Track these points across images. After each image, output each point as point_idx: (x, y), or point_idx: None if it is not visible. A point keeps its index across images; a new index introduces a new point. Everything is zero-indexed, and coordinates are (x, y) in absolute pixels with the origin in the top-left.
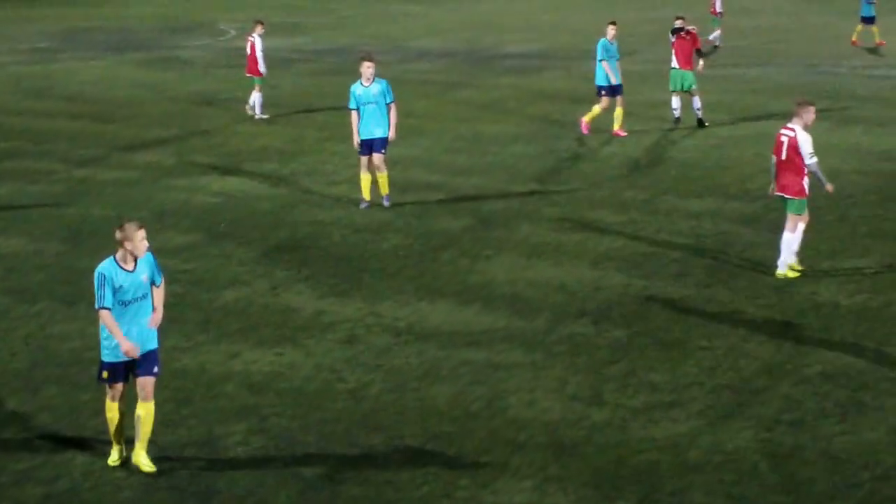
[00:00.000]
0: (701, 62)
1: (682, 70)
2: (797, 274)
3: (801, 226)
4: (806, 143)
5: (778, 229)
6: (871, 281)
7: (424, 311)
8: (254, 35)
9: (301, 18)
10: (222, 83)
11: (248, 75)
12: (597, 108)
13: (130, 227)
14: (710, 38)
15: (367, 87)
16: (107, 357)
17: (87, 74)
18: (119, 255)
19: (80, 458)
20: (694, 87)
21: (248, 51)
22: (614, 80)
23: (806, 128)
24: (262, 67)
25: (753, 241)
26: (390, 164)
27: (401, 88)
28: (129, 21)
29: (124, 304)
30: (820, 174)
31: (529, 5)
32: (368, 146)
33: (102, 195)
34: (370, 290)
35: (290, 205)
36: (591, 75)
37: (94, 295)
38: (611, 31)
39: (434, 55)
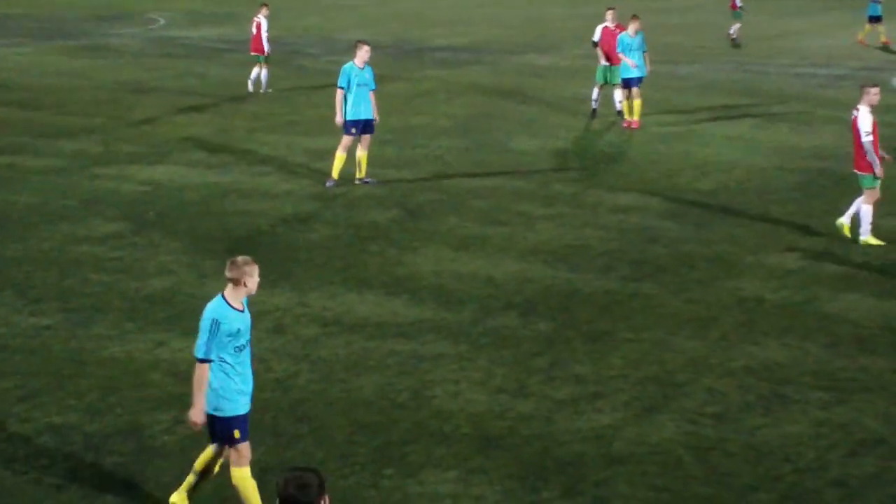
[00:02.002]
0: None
1: (612, 65)
2: (880, 243)
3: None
4: (864, 122)
5: (703, 224)
6: (795, 276)
7: (352, 301)
8: (259, 16)
9: (231, 8)
10: (151, 72)
11: (252, 53)
12: (636, 102)
13: (247, 263)
14: (730, 31)
15: (362, 69)
16: (239, 407)
17: (14, 61)
18: (230, 294)
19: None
20: (619, 80)
21: (255, 31)
22: (639, 71)
23: (871, 109)
24: (266, 47)
25: (679, 235)
26: (319, 155)
27: (329, 80)
28: (58, 8)
29: (240, 349)
30: (872, 155)
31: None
32: (360, 126)
33: (28, 183)
34: (298, 281)
35: (219, 195)
36: (519, 69)
37: (191, 338)
38: (632, 25)
39: None
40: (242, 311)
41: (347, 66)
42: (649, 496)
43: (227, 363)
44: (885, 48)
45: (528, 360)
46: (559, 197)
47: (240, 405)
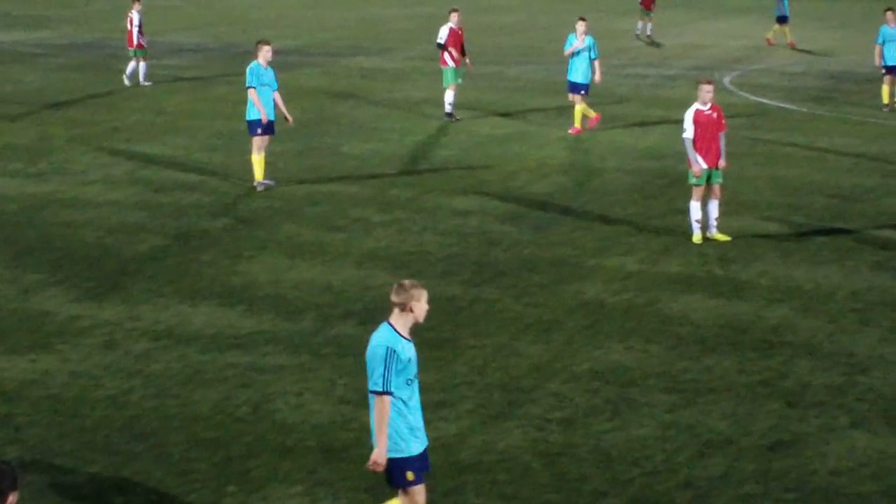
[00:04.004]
0: (467, 60)
1: (457, 68)
2: (699, 239)
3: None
4: (685, 119)
5: (542, 227)
6: (636, 278)
7: (185, 313)
8: (133, 11)
9: (42, 11)
10: None
11: (129, 48)
12: (583, 106)
13: (414, 287)
14: (638, 31)
15: (266, 69)
16: (413, 446)
17: None
18: (397, 321)
19: None
20: (460, 81)
21: (129, 26)
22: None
23: (704, 105)
24: (141, 41)
25: (518, 239)
26: (144, 163)
27: (154, 85)
28: None
29: (411, 381)
30: (691, 153)
31: (287, 0)
32: (269, 127)
33: None
34: (128, 294)
35: (39, 205)
36: (349, 72)
37: (368, 374)
38: (579, 28)
39: (187, 50)
40: (410, 340)
41: (254, 65)
42: None
43: (399, 398)
44: (791, 48)
45: None
46: (396, 202)
47: (413, 444)
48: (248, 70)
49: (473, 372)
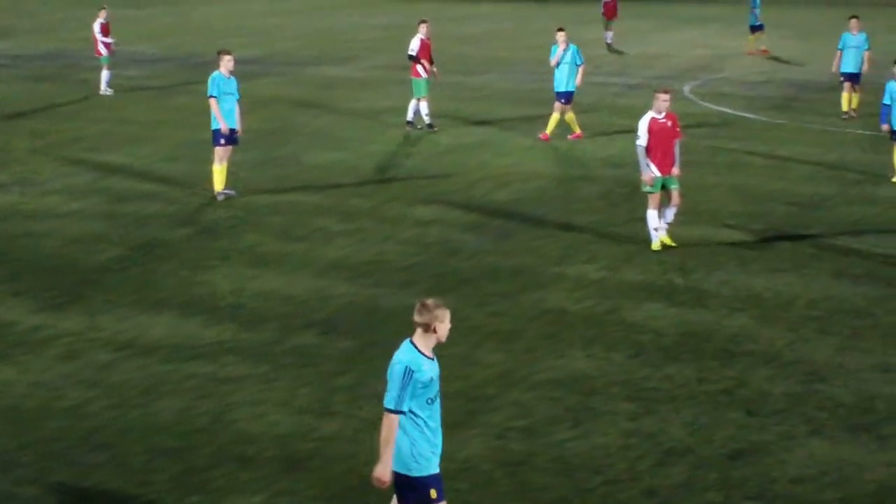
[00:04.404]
0: (435, 69)
1: (428, 78)
2: (658, 246)
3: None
4: (640, 126)
5: (504, 235)
6: (598, 286)
7: (146, 324)
8: (99, 20)
9: (3, 21)
10: None
11: (98, 56)
12: (568, 115)
13: (438, 307)
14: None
15: (228, 79)
16: (433, 465)
17: None
18: (420, 340)
19: None
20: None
21: (95, 34)
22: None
23: (659, 113)
24: (102, 49)
25: (480, 247)
26: (106, 173)
27: (115, 95)
28: None
29: (432, 401)
30: (643, 160)
31: (249, 9)
32: (232, 137)
33: None
34: (89, 304)
35: (1, 216)
36: (312, 81)
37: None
38: (559, 37)
39: (149, 60)
40: (433, 359)
41: (216, 74)
42: None
43: (420, 417)
44: (764, 56)
45: (331, 378)
46: (358, 211)
47: (433, 463)
48: (209, 80)
49: None
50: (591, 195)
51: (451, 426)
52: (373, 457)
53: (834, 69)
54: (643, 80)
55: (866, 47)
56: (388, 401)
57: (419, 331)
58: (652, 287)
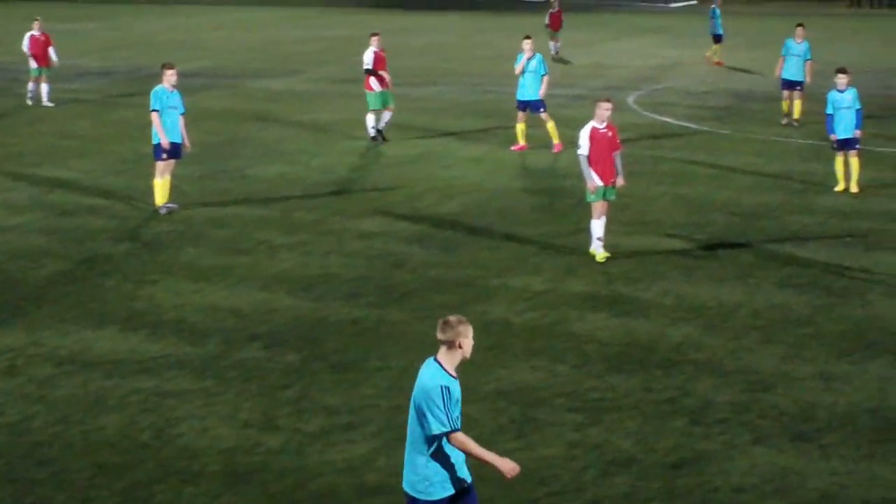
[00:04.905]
0: (388, 79)
1: (384, 90)
2: (604, 256)
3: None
4: (582, 136)
5: (448, 248)
6: (542, 298)
7: (89, 339)
8: (32, 31)
9: None
10: None
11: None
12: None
13: (461, 323)
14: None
15: (171, 93)
16: (449, 487)
17: None
18: (445, 358)
19: None
20: (391, 104)
21: (29, 45)
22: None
23: (601, 123)
24: (34, 59)
25: (424, 260)
26: (48, 187)
27: (59, 109)
28: None
29: (457, 420)
30: (585, 170)
31: (194, 23)
32: (174, 151)
33: None
34: (30, 319)
35: None
36: (256, 94)
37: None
38: (525, 46)
39: (93, 74)
40: (456, 378)
41: (158, 88)
42: None
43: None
44: (718, 67)
45: (276, 392)
46: (302, 224)
47: (448, 486)
48: (151, 94)
49: (380, 394)
50: (535, 206)
51: (397, 439)
52: (317, 470)
53: (776, 74)
54: (587, 91)
55: (808, 57)
56: (441, 425)
57: (444, 349)
58: (596, 297)
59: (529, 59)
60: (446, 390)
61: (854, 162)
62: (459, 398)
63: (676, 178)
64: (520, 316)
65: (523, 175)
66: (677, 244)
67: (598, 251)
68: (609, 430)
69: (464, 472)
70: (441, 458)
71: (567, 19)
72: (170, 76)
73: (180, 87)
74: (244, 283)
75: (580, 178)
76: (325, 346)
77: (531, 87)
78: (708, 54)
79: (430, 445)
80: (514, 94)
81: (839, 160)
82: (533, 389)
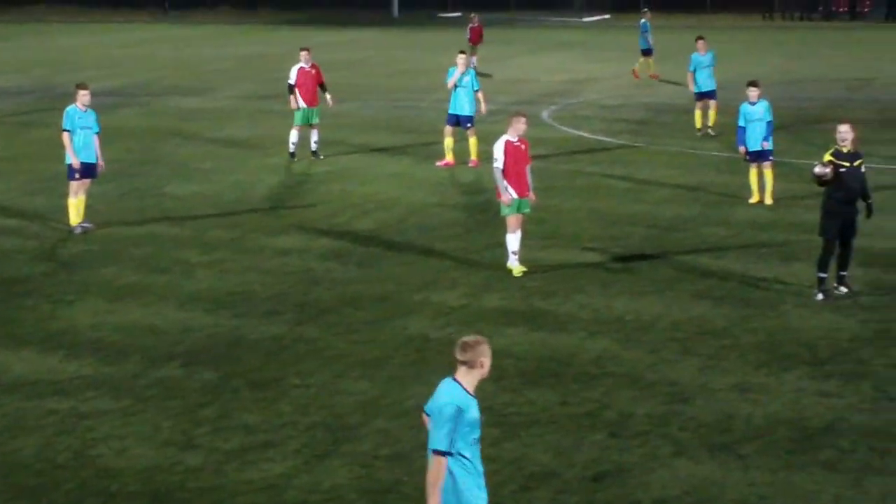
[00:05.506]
0: (328, 96)
1: (309, 107)
2: (522, 270)
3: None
4: (496, 149)
5: (366, 264)
6: (459, 313)
7: (6, 360)
8: None
9: None
10: None
11: None
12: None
13: (479, 343)
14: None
15: (85, 112)
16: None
17: None
18: (464, 378)
19: None
20: (316, 120)
21: None
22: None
23: (517, 137)
24: None
25: (342, 276)
26: None
27: None
28: None
29: (476, 441)
30: (500, 183)
31: (107, 40)
32: (87, 170)
33: None
34: None
35: None
36: (172, 112)
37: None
38: (459, 61)
39: (7, 93)
40: (475, 398)
41: (71, 108)
42: None
43: (466, 458)
44: (637, 80)
45: (194, 411)
46: (219, 243)
47: (482, 500)
48: (64, 113)
49: (298, 411)
50: (451, 222)
51: (316, 456)
52: (237, 489)
53: (690, 89)
54: (502, 106)
55: (715, 64)
56: (439, 442)
57: (463, 369)
58: (513, 312)
59: (462, 73)
60: (460, 413)
61: (768, 174)
62: (478, 418)
63: (592, 191)
64: (438, 331)
65: (440, 190)
66: (594, 258)
67: (515, 265)
68: (527, 444)
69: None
70: (473, 471)
71: (486, 34)
72: (83, 96)
73: (95, 105)
74: (161, 302)
75: (494, 192)
76: (244, 364)
77: (464, 102)
78: (636, 68)
79: (461, 464)
80: (432, 109)
81: (753, 172)
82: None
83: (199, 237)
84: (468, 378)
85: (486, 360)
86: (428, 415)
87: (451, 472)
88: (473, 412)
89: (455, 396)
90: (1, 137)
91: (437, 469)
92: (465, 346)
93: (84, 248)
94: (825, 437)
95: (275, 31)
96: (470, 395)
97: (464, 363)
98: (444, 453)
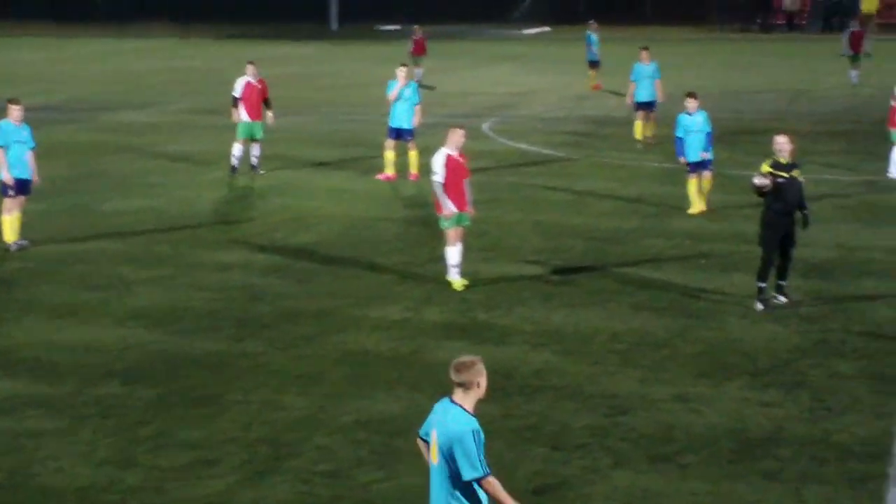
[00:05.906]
0: (270, 113)
1: (252, 121)
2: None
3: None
4: (436, 162)
5: (306, 278)
6: (400, 327)
7: None
8: None
9: None
10: None
11: None
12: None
13: (475, 363)
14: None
15: (19, 127)
16: None
17: None
18: (463, 400)
19: None
20: (260, 135)
21: None
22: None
23: (456, 150)
24: None
25: (282, 291)
26: None
27: None
28: None
29: None
30: (441, 196)
31: (43, 56)
32: (21, 186)
33: None
34: None
35: None
36: (110, 127)
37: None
38: (399, 74)
39: None
40: (476, 418)
41: (3, 123)
42: None
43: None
44: (597, 92)
45: (134, 428)
46: (158, 258)
47: None
48: None
49: (239, 427)
50: (391, 236)
51: (257, 472)
52: None
53: (629, 101)
54: (441, 119)
55: (658, 76)
56: (474, 470)
57: (460, 391)
58: (454, 325)
59: (403, 86)
60: (478, 433)
61: (706, 183)
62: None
63: (533, 204)
64: (378, 346)
65: (381, 204)
66: (535, 270)
67: (456, 279)
68: None
69: None
70: (472, 499)
71: (429, 46)
72: (14, 112)
73: (33, 120)
74: (100, 319)
75: (433, 206)
76: (184, 381)
77: (404, 115)
78: (597, 83)
79: (459, 489)
80: (373, 123)
81: (693, 183)
82: (393, 419)
83: (140, 253)
84: (466, 399)
85: (483, 380)
86: (425, 440)
87: (456, 499)
88: (482, 434)
89: (466, 421)
90: None
91: (493, 491)
92: (461, 368)
93: (20, 265)
94: (765, 447)
95: (213, 45)
96: (474, 416)
97: (460, 385)
98: (485, 476)
